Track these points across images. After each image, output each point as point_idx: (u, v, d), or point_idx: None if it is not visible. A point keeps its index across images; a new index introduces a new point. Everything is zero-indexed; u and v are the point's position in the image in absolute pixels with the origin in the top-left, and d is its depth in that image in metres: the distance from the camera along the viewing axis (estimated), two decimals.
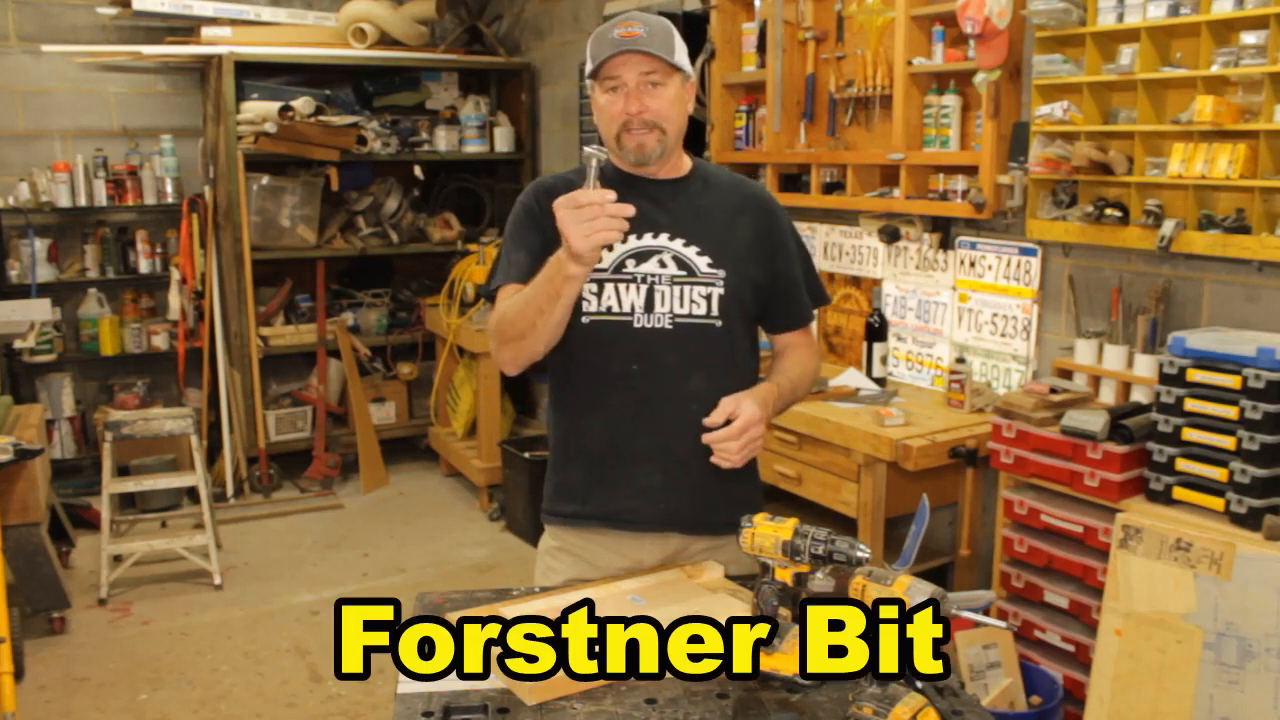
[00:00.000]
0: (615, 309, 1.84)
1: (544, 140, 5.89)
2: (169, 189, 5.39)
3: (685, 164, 1.94)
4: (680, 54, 1.82)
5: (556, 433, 1.98)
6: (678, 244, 1.85)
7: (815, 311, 2.04)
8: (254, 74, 5.27)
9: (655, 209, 1.86)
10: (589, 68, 1.83)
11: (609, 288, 1.84)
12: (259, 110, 5.06)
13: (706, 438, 1.74)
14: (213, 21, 5.32)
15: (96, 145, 5.32)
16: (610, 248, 1.79)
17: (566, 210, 1.62)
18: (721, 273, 1.86)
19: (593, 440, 1.91)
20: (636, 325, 1.84)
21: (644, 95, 1.79)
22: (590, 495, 1.92)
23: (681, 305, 1.85)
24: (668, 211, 1.87)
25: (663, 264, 1.84)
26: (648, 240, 1.85)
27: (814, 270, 2.03)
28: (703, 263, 1.85)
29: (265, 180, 5.24)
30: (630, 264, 1.84)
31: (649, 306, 1.84)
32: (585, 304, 1.84)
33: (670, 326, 1.85)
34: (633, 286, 1.84)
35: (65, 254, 5.37)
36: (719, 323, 1.87)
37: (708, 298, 1.85)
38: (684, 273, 1.85)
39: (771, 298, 1.95)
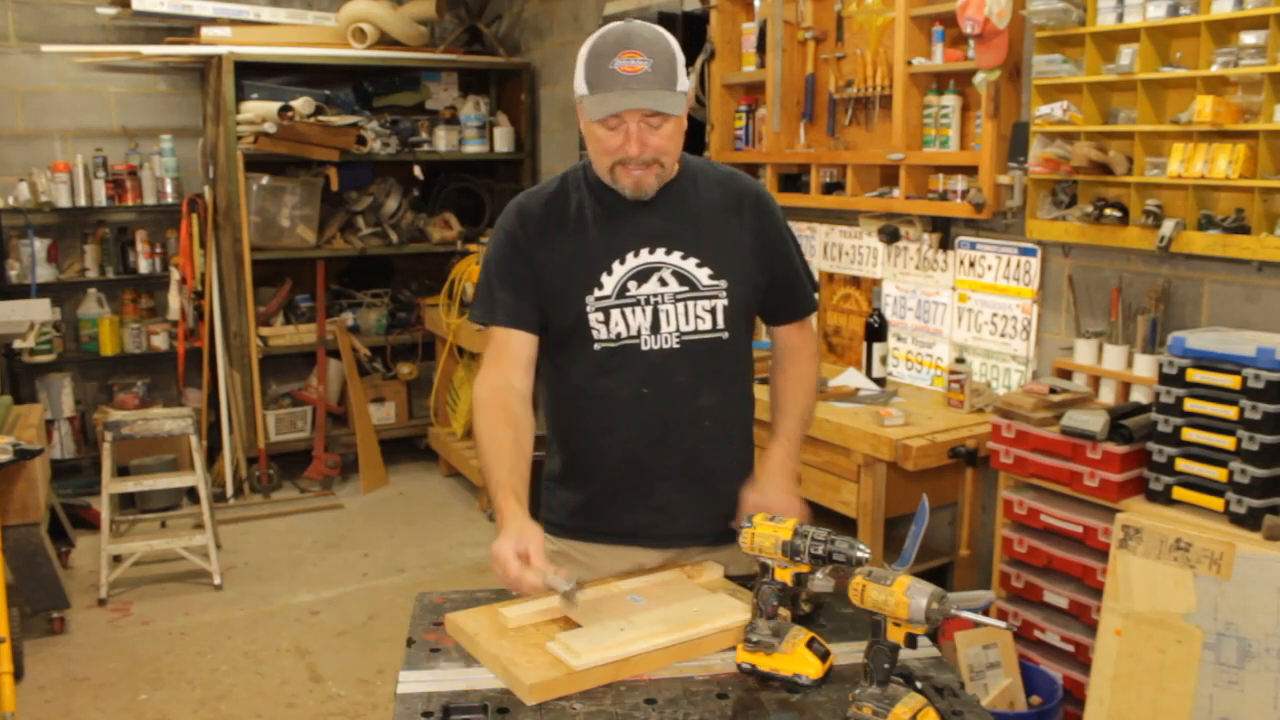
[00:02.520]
0: (624, 334, 1.81)
1: (544, 140, 5.89)
2: (169, 189, 5.39)
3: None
4: (682, 78, 1.73)
5: (564, 452, 1.94)
6: (675, 258, 1.82)
7: (816, 298, 2.02)
8: (254, 74, 5.27)
9: (648, 219, 1.83)
10: (582, 87, 1.72)
11: (615, 314, 1.81)
12: (259, 110, 5.06)
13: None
14: (212, 21, 5.32)
15: (96, 145, 5.32)
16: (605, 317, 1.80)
17: (502, 551, 1.59)
18: (723, 283, 1.83)
19: (608, 463, 1.88)
20: (645, 348, 1.82)
21: (645, 134, 1.72)
22: (603, 514, 1.90)
23: (687, 322, 1.82)
24: (661, 221, 1.83)
25: (663, 281, 1.81)
26: (645, 257, 1.81)
27: (804, 259, 2.00)
28: (703, 275, 1.83)
29: (265, 180, 5.24)
30: (632, 285, 1.81)
31: (655, 327, 1.81)
32: (595, 332, 1.82)
33: (678, 345, 1.82)
34: (637, 309, 1.81)
35: (65, 254, 5.37)
36: (726, 334, 1.85)
37: (712, 311, 1.83)
38: (686, 288, 1.82)
39: (771, 294, 1.93)
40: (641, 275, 1.81)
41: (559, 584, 1.58)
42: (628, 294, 1.81)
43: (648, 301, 1.81)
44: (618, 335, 1.82)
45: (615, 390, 1.84)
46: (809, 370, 1.99)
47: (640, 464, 1.86)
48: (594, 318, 1.81)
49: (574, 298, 1.81)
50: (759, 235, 1.89)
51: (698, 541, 1.91)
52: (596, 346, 1.82)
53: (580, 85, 1.73)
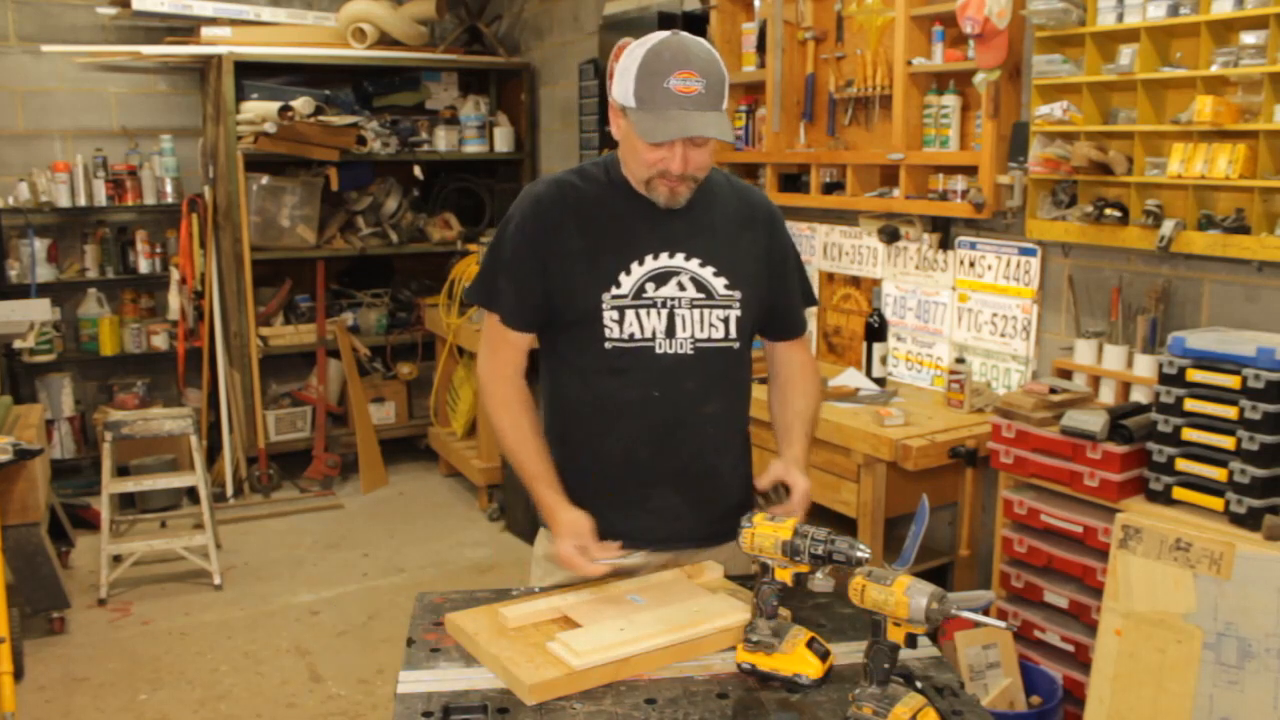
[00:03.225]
0: (638, 335, 1.81)
1: (544, 140, 5.89)
2: (169, 189, 5.39)
3: None
4: (726, 97, 1.74)
5: (561, 451, 1.93)
6: (694, 264, 1.83)
7: (810, 314, 2.06)
8: (254, 74, 5.27)
9: (669, 224, 1.83)
10: (629, 99, 1.70)
11: (630, 314, 1.81)
12: (259, 110, 5.06)
13: (771, 510, 1.70)
14: (212, 21, 5.33)
15: (96, 145, 5.32)
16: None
17: (565, 549, 1.74)
18: (738, 294, 1.85)
19: (609, 463, 1.88)
20: (658, 351, 1.82)
21: (690, 152, 1.73)
22: (603, 514, 1.88)
23: (702, 329, 1.83)
24: (682, 227, 1.84)
25: (681, 286, 1.82)
26: (664, 260, 1.82)
27: (805, 274, 2.04)
28: (720, 284, 1.84)
29: (265, 180, 5.24)
30: (650, 287, 1.81)
31: (670, 331, 1.82)
32: (608, 330, 1.81)
33: (692, 352, 1.83)
34: (653, 311, 1.81)
35: (65, 254, 5.37)
36: (736, 344, 1.87)
37: (726, 320, 1.84)
38: (703, 295, 1.83)
39: (774, 311, 1.96)
40: (660, 278, 1.82)
41: (624, 562, 1.74)
42: (644, 295, 1.81)
43: (664, 305, 1.81)
44: (631, 336, 1.81)
45: (622, 391, 1.84)
46: (815, 386, 2.01)
47: (639, 467, 1.86)
48: (609, 316, 1.80)
49: (589, 294, 1.81)
50: (768, 251, 1.92)
51: (692, 544, 1.91)
52: (607, 345, 1.82)
53: (626, 96, 1.71)
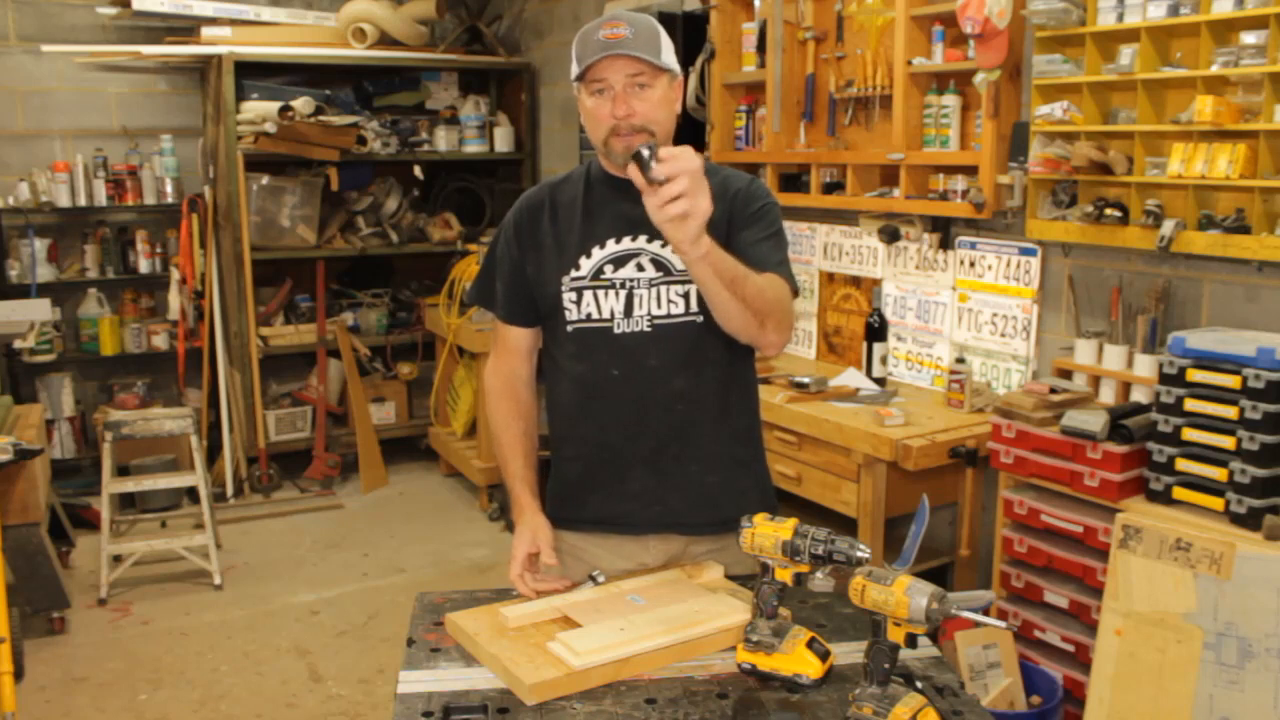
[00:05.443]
0: (595, 315, 1.84)
1: (544, 140, 5.89)
2: (169, 189, 5.39)
3: None
4: (667, 53, 1.78)
5: (556, 440, 1.99)
6: (655, 245, 1.82)
7: (786, 282, 1.81)
8: (254, 74, 5.27)
9: (635, 209, 1.76)
10: (575, 70, 1.79)
11: (588, 295, 1.84)
12: (259, 110, 5.06)
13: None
14: (213, 21, 5.32)
15: (96, 145, 5.32)
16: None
17: (512, 570, 1.79)
18: None
19: (584, 446, 1.91)
20: (617, 331, 1.83)
21: (631, 98, 1.75)
22: (587, 500, 1.92)
23: (659, 306, 1.83)
24: (644, 210, 1.76)
25: (640, 267, 1.83)
26: (626, 244, 1.84)
27: (781, 240, 1.85)
28: (679, 260, 1.79)
29: (265, 180, 5.24)
30: (608, 270, 1.83)
31: (628, 311, 1.83)
32: (567, 313, 1.85)
33: (649, 329, 1.83)
34: (611, 292, 1.83)
35: (65, 254, 5.37)
36: (699, 318, 1.82)
37: (685, 295, 1.83)
38: (661, 273, 1.83)
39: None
40: (619, 260, 1.84)
41: (568, 597, 1.72)
42: (602, 277, 1.84)
43: (623, 286, 1.83)
44: (588, 316, 1.84)
45: (588, 373, 1.87)
46: (771, 284, 1.74)
47: (613, 449, 1.88)
48: (567, 298, 1.85)
49: (551, 280, 1.86)
50: (728, 216, 1.83)
51: (681, 529, 1.91)
52: (569, 328, 1.86)
53: (572, 68, 1.78)
